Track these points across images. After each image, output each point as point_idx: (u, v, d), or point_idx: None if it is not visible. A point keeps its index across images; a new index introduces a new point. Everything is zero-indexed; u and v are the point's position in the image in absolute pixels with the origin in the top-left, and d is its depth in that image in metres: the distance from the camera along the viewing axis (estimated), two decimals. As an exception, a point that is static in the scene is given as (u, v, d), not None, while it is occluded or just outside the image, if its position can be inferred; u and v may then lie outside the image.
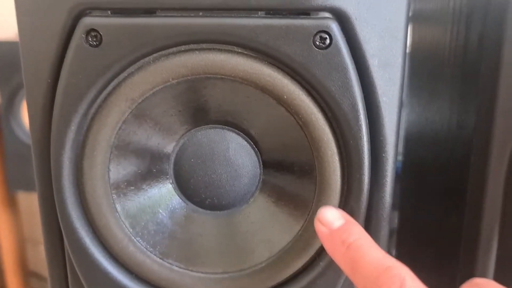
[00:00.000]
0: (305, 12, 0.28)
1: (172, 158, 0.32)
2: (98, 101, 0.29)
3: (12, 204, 1.01)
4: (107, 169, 0.30)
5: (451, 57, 0.41)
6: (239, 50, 0.28)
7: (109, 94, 0.29)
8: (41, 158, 0.31)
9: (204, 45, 0.28)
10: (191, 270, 0.32)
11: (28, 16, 0.29)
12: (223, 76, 0.29)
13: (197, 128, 0.32)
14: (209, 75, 0.29)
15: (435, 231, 0.47)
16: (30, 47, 0.29)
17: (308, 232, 0.31)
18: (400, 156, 0.62)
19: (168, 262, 0.32)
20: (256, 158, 0.32)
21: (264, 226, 0.32)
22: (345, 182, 0.30)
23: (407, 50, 0.58)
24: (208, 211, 0.33)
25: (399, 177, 0.60)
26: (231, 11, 0.28)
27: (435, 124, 0.46)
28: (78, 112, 0.29)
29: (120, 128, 0.30)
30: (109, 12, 0.28)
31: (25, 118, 0.91)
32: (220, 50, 0.28)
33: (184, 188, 0.33)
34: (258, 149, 0.32)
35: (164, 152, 0.32)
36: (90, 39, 0.28)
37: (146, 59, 0.28)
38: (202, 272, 0.32)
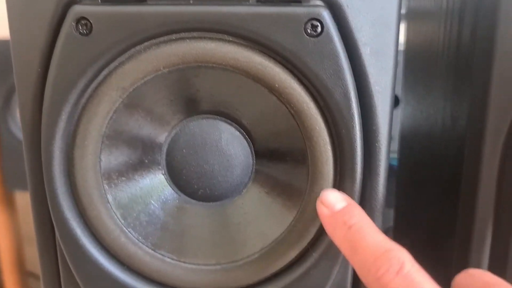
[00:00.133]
0: (296, 0, 0.28)
1: (164, 149, 0.32)
2: (89, 90, 0.29)
3: (9, 204, 1.01)
4: (98, 159, 0.30)
5: (445, 52, 0.41)
6: (230, 39, 0.28)
7: (100, 83, 0.29)
8: (31, 149, 0.31)
9: (195, 34, 0.28)
10: (183, 262, 0.32)
11: (18, 5, 0.28)
12: (214, 65, 0.28)
13: (189, 118, 0.32)
14: (200, 64, 0.28)
15: (430, 228, 0.47)
16: (20, 36, 0.29)
17: (301, 222, 0.31)
18: (396, 154, 0.62)
19: (160, 254, 0.32)
20: (248, 148, 0.32)
21: (257, 217, 0.32)
22: (337, 172, 0.30)
23: (402, 48, 0.58)
24: (201, 202, 0.33)
25: (395, 174, 0.60)
26: (222, -1, 0.28)
27: (430, 119, 0.46)
28: (69, 102, 0.29)
29: (111, 117, 0.30)
30: (99, 0, 0.28)
31: (22, 116, 0.90)
32: (211, 38, 0.28)
33: (176, 178, 0.32)
34: (250, 139, 0.32)
35: (156, 142, 0.32)
36: (80, 28, 0.28)
37: (137, 47, 0.28)
38: (194, 264, 0.32)
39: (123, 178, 0.31)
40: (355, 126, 0.29)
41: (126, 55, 0.28)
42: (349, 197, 0.29)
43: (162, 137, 0.32)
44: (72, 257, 0.32)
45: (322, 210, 0.28)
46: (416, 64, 0.54)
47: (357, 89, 0.29)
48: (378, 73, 0.29)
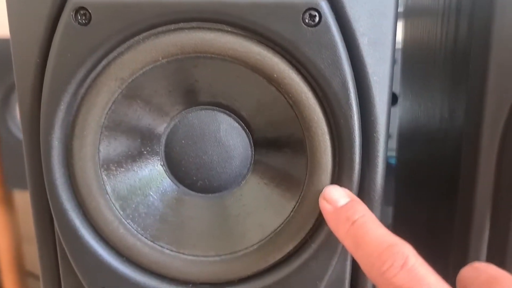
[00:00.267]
0: (295, -10, 0.28)
1: (163, 140, 0.32)
2: (88, 80, 0.29)
3: (8, 203, 1.01)
4: (97, 150, 0.30)
5: (442, 47, 0.42)
6: (229, 29, 0.28)
7: (99, 73, 0.29)
8: (30, 140, 0.31)
9: (193, 24, 0.28)
10: (182, 253, 0.32)
11: (17, -6, 0.29)
12: (212, 55, 0.28)
13: (188, 109, 0.32)
14: (199, 54, 0.29)
15: (429, 225, 0.47)
16: (19, 27, 0.29)
17: (300, 213, 0.31)
18: (394, 152, 0.62)
19: (159, 245, 0.32)
20: (247, 139, 0.32)
21: (256, 209, 0.32)
22: (336, 162, 0.30)
23: (400, 46, 0.58)
24: (200, 194, 0.33)
25: (393, 172, 0.60)
26: (221, -10, 0.28)
27: (428, 114, 0.46)
28: (68, 92, 0.29)
29: (110, 108, 0.30)
30: (98, -10, 0.28)
31: (21, 116, 0.90)
32: (209, 28, 0.28)
33: (175, 170, 0.32)
34: (249, 130, 0.32)
35: (155, 133, 0.32)
36: (79, 18, 0.28)
37: (136, 38, 0.28)
38: (193, 255, 0.32)
39: (122, 169, 0.31)
40: (353, 116, 0.29)
41: (125, 45, 0.28)
42: (352, 193, 0.29)
43: (161, 128, 0.32)
44: (71, 248, 0.32)
45: (325, 206, 0.29)
46: (414, 61, 0.55)
47: (355, 79, 0.29)
48: (376, 63, 0.29)
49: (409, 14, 0.56)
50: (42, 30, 0.29)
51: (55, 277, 0.35)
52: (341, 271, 0.32)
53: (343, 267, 0.32)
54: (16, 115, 0.92)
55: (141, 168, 0.32)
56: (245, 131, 0.32)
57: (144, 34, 0.28)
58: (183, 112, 0.32)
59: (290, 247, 0.31)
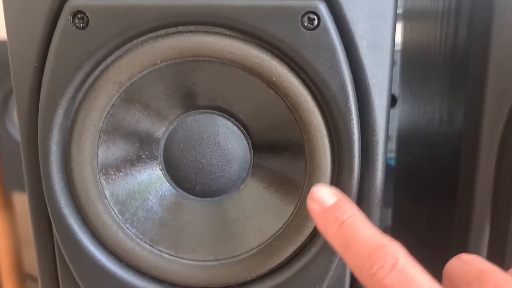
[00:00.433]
0: (293, -7, 0.28)
1: (162, 144, 0.32)
2: (86, 84, 0.29)
3: (7, 206, 1.01)
4: (96, 154, 0.30)
5: (442, 49, 0.42)
6: (227, 32, 0.28)
7: (97, 77, 0.29)
8: (28, 144, 0.31)
9: (192, 27, 0.28)
10: (181, 258, 0.32)
11: (14, -1, 0.28)
12: (211, 59, 0.28)
13: (186, 113, 0.32)
14: (197, 58, 0.28)
15: (428, 226, 0.47)
16: (16, 30, 0.29)
17: (299, 217, 0.31)
18: (393, 153, 0.62)
19: (158, 250, 0.32)
20: (246, 143, 0.32)
21: (255, 213, 0.32)
22: (335, 166, 0.30)
23: (399, 47, 0.58)
24: (199, 198, 0.33)
25: (392, 173, 0.60)
26: (219, -7, 0.28)
27: (427, 116, 0.46)
28: (66, 96, 0.29)
29: (108, 112, 0.30)
30: (96, -6, 0.28)
31: (20, 118, 0.90)
32: (208, 32, 0.28)
33: (174, 174, 0.32)
34: (248, 133, 0.32)
35: (153, 137, 0.32)
36: (76, 21, 0.28)
37: (134, 41, 0.28)
38: (193, 260, 0.32)
39: (121, 174, 0.31)
40: (352, 120, 0.29)
41: (123, 49, 0.28)
42: (340, 192, 0.29)
43: (160, 132, 0.32)
44: (69, 253, 0.31)
45: (312, 206, 0.28)
46: (413, 63, 0.55)
47: (354, 82, 0.29)
48: (375, 66, 0.29)
49: (408, 16, 0.56)
50: (39, 34, 0.28)
51: (53, 281, 0.35)
52: (341, 275, 0.32)
53: (342, 271, 0.32)
54: (15, 117, 0.92)
55: (140, 172, 0.32)
56: (244, 135, 0.32)
57: (142, 37, 0.28)
58: (181, 115, 0.32)
59: (289, 251, 0.31)
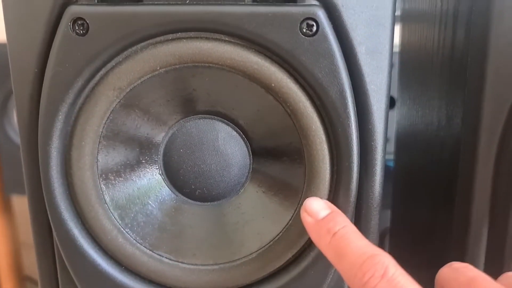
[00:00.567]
0: None
1: (161, 149, 0.32)
2: (86, 90, 0.29)
3: (6, 208, 1.01)
4: (96, 160, 0.30)
5: (440, 53, 0.42)
6: (227, 38, 0.28)
7: (97, 83, 0.29)
8: (29, 150, 0.31)
9: (191, 34, 0.28)
10: (181, 262, 0.32)
11: (14, 5, 0.29)
12: (210, 65, 0.29)
13: (186, 118, 0.32)
14: (197, 64, 0.29)
15: (427, 229, 0.47)
16: (17, 37, 0.29)
17: (298, 222, 0.31)
18: (392, 155, 0.62)
19: (158, 254, 0.32)
20: (245, 148, 0.32)
21: (255, 217, 0.32)
22: (334, 171, 0.30)
23: (397, 50, 0.58)
24: (198, 203, 0.33)
25: (391, 175, 0.60)
26: (218, -1, 0.28)
27: (425, 119, 0.46)
28: (66, 102, 0.29)
29: (108, 118, 0.30)
30: (95, 0, 0.28)
31: (19, 121, 0.90)
32: (207, 38, 0.28)
33: (174, 179, 0.32)
34: (247, 139, 0.32)
35: (153, 142, 0.32)
36: (76, 28, 0.28)
37: (134, 48, 0.28)
38: (192, 264, 0.32)
39: (121, 179, 0.31)
40: (351, 125, 0.29)
41: (123, 55, 0.28)
42: (333, 205, 0.30)
43: (159, 137, 0.32)
44: (70, 258, 0.32)
45: (306, 218, 0.29)
46: (411, 65, 0.55)
47: (352, 88, 0.29)
48: (374, 72, 0.29)
49: (406, 18, 0.56)
50: (40, 40, 0.29)
51: (53, 285, 0.35)
52: (340, 279, 0.32)
53: (340, 276, 0.32)
54: (15, 120, 0.92)
55: (140, 177, 0.32)
56: (243, 140, 0.32)
57: (142, 44, 0.28)
58: (181, 121, 0.32)
59: (289, 256, 0.31)
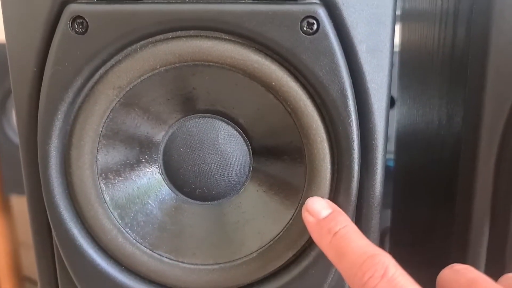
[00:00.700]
0: (292, -2, 0.28)
1: (161, 148, 0.32)
2: (85, 89, 0.29)
3: (6, 208, 1.00)
4: (95, 159, 0.30)
5: (440, 51, 0.42)
6: (227, 37, 0.28)
7: (96, 82, 0.29)
8: (28, 149, 0.31)
9: (191, 32, 0.28)
10: (181, 262, 0.32)
11: (13, 4, 0.28)
12: (210, 63, 0.28)
13: (186, 117, 0.32)
14: (197, 62, 0.28)
15: (427, 228, 0.47)
16: (16, 36, 0.29)
17: (299, 221, 0.31)
18: (392, 154, 0.62)
19: (158, 254, 0.32)
20: (246, 147, 0.32)
21: (255, 216, 0.32)
22: (335, 170, 0.30)
23: (397, 49, 0.58)
24: (198, 202, 0.33)
25: (391, 175, 0.60)
26: (218, -3, 0.28)
27: (425, 118, 0.46)
28: (65, 101, 0.29)
29: (108, 117, 0.29)
30: (95, -2, 0.28)
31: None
32: (207, 37, 0.28)
33: (174, 178, 0.32)
34: (247, 138, 0.32)
35: (153, 141, 0.32)
36: (76, 27, 0.28)
37: (133, 46, 0.28)
38: (193, 264, 0.32)
39: (120, 178, 0.31)
40: (352, 124, 0.29)
41: (123, 53, 0.28)
42: (334, 204, 0.30)
43: (159, 136, 0.32)
44: (69, 258, 0.31)
45: (308, 218, 0.29)
46: (411, 65, 0.55)
47: (353, 86, 0.29)
48: (374, 70, 0.29)
49: (406, 18, 0.56)
50: (39, 39, 0.28)
51: (53, 285, 0.34)
52: (341, 278, 0.32)
53: (341, 276, 0.32)
54: (13, 120, 0.91)
55: (140, 176, 0.32)
56: (244, 139, 0.32)
57: (142, 42, 0.28)
58: (181, 120, 0.32)
59: (289, 255, 0.31)
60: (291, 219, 0.31)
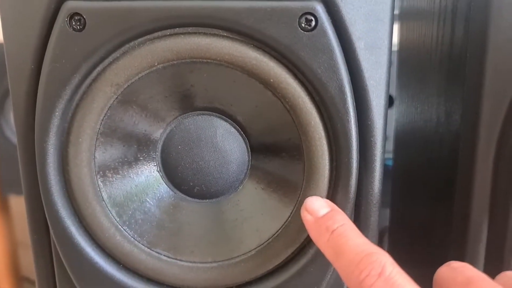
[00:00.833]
0: (290, -6, 0.28)
1: (159, 145, 0.32)
2: (83, 86, 0.29)
3: (4, 208, 1.00)
4: (93, 157, 0.30)
5: (438, 50, 0.42)
6: (225, 34, 0.28)
7: (94, 79, 0.29)
8: (25, 147, 0.31)
9: (189, 29, 0.28)
10: (180, 260, 0.32)
11: (10, 1, 0.28)
12: (209, 60, 0.28)
13: (184, 114, 0.32)
14: (195, 59, 0.28)
15: (426, 227, 0.47)
16: (13, 33, 0.29)
17: (297, 219, 0.31)
18: (390, 154, 0.62)
19: (156, 252, 0.32)
20: (244, 144, 0.32)
21: (254, 214, 0.32)
22: (333, 167, 0.30)
23: (396, 48, 0.58)
24: (197, 200, 0.33)
25: (390, 174, 0.60)
26: (216, -6, 0.28)
27: (424, 117, 0.46)
28: (63, 98, 0.29)
29: (105, 114, 0.29)
30: (92, -5, 0.28)
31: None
32: (205, 33, 0.28)
33: (172, 176, 0.32)
34: (246, 135, 0.32)
35: (151, 139, 0.32)
36: (73, 23, 0.27)
37: (131, 43, 0.28)
38: (191, 262, 0.32)
39: (118, 176, 0.31)
40: (350, 121, 0.29)
41: (120, 51, 0.28)
42: (333, 203, 0.30)
43: (157, 133, 0.32)
44: (67, 256, 0.31)
45: (306, 216, 0.29)
46: (410, 63, 0.55)
47: (351, 83, 0.29)
48: (373, 67, 0.29)
49: (405, 16, 0.56)
50: (36, 36, 0.28)
51: (51, 284, 0.34)
52: (339, 277, 0.32)
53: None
54: (11, 119, 0.91)
55: (138, 174, 0.32)
56: (242, 136, 0.32)
57: (140, 39, 0.28)
58: (179, 117, 0.32)
59: (288, 253, 0.31)
60: (289, 216, 0.31)
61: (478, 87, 0.33)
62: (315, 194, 0.30)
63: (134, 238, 0.31)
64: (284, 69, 0.28)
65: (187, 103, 0.31)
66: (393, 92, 0.61)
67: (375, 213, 0.31)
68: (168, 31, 0.28)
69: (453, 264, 0.27)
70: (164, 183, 0.32)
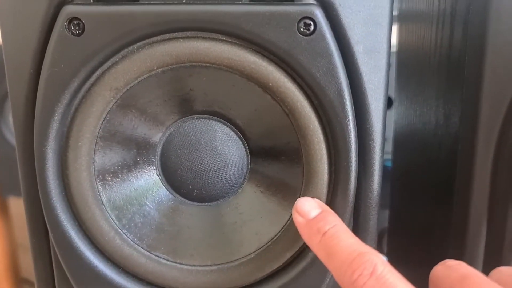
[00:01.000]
0: (289, -1, 0.28)
1: (159, 149, 0.32)
2: (82, 91, 0.29)
3: (3, 210, 1.00)
4: (92, 161, 0.30)
5: (437, 52, 0.42)
6: (224, 38, 0.28)
7: (93, 83, 0.29)
8: (24, 151, 0.31)
9: (188, 33, 0.28)
10: (179, 263, 0.32)
11: (9, 5, 0.28)
12: (208, 64, 0.28)
13: (183, 118, 0.32)
14: (194, 64, 0.28)
15: (425, 228, 0.47)
16: (12, 37, 0.29)
17: (296, 222, 0.31)
18: (390, 155, 0.62)
19: (155, 255, 0.32)
20: (243, 148, 0.32)
21: (253, 217, 0.32)
22: (332, 170, 0.30)
23: (394, 49, 0.58)
24: (196, 203, 0.33)
25: (389, 175, 0.60)
26: (215, -2, 0.28)
27: (423, 118, 0.46)
28: (62, 102, 0.29)
29: (105, 118, 0.29)
30: (91, 0, 0.28)
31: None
32: (204, 38, 0.28)
33: (171, 179, 0.32)
34: (245, 139, 0.32)
35: (150, 143, 0.32)
36: (72, 28, 0.27)
37: (130, 48, 0.28)
38: (190, 265, 0.32)
39: (118, 180, 0.31)
40: (349, 124, 0.29)
41: (119, 55, 0.28)
42: (324, 204, 0.30)
43: (157, 137, 0.32)
44: (66, 260, 0.31)
45: (297, 219, 0.29)
46: (408, 65, 0.55)
47: (350, 87, 0.29)
48: (371, 71, 0.29)
49: (403, 18, 0.56)
50: (35, 41, 0.28)
51: (50, 286, 0.34)
52: (339, 279, 0.32)
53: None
54: (10, 121, 0.91)
55: (137, 178, 0.32)
56: (241, 140, 0.32)
57: (139, 43, 0.28)
58: (178, 121, 0.32)
59: (287, 256, 0.31)
60: (288, 220, 0.31)
61: (477, 89, 0.33)
62: (313, 198, 0.30)
63: (133, 242, 0.31)
64: (283, 73, 0.28)
65: (186, 107, 0.31)
66: (392, 93, 0.62)
67: (374, 216, 0.31)
68: (167, 36, 0.28)
69: (448, 262, 0.27)
70: (163, 187, 0.32)
